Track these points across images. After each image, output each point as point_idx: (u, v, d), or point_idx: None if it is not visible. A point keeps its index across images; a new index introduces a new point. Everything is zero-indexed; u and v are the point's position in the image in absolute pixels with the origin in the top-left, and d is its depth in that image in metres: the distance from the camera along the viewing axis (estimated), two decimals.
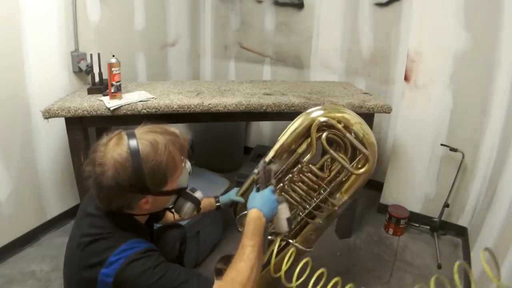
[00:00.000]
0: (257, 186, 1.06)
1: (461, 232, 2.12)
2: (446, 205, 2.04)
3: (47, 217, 2.01)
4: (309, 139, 1.18)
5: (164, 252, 1.20)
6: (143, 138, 0.81)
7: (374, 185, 2.56)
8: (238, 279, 0.82)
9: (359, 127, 1.14)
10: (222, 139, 2.79)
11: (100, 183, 0.78)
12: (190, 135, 3.09)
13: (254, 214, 0.96)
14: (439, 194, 2.14)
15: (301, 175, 1.20)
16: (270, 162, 1.17)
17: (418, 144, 2.13)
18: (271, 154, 1.18)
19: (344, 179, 1.20)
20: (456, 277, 0.66)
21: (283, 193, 1.22)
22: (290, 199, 1.21)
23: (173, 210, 0.99)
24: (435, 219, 2.09)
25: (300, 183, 1.20)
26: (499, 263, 1.29)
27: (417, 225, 2.18)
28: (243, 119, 2.67)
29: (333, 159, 1.19)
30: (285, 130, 1.18)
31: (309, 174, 1.20)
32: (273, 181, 1.12)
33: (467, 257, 1.88)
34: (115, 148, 0.78)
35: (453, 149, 1.99)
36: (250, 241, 0.89)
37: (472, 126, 1.96)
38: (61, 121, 1.61)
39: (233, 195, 1.30)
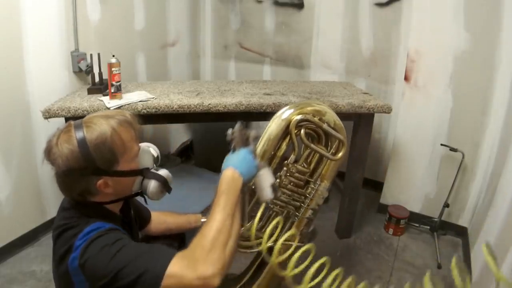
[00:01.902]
0: (232, 147, 0.96)
1: (461, 232, 2.12)
2: (446, 205, 2.04)
3: (47, 217, 2.00)
4: (287, 139, 1.19)
5: None
6: (87, 122, 0.84)
7: (374, 185, 2.56)
8: (200, 243, 0.78)
9: (329, 115, 1.19)
10: (222, 139, 2.77)
11: (55, 172, 0.82)
12: (190, 135, 3.09)
13: (227, 173, 0.90)
14: (439, 194, 2.14)
15: (289, 177, 1.20)
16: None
17: (418, 144, 2.13)
18: None
19: (323, 167, 1.23)
20: (455, 272, 0.65)
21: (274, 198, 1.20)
22: (282, 203, 1.20)
23: (143, 194, 0.97)
24: (435, 219, 2.09)
25: (289, 185, 1.21)
26: (499, 263, 1.29)
27: (417, 225, 2.18)
28: (243, 119, 2.66)
29: (311, 152, 1.22)
30: (260, 138, 1.17)
31: (296, 174, 1.20)
32: (252, 145, 0.99)
33: (467, 257, 1.88)
34: (63, 137, 0.82)
35: (453, 149, 1.99)
36: (218, 205, 0.83)
37: (472, 125, 1.96)
38: (61, 121, 1.60)
39: None
